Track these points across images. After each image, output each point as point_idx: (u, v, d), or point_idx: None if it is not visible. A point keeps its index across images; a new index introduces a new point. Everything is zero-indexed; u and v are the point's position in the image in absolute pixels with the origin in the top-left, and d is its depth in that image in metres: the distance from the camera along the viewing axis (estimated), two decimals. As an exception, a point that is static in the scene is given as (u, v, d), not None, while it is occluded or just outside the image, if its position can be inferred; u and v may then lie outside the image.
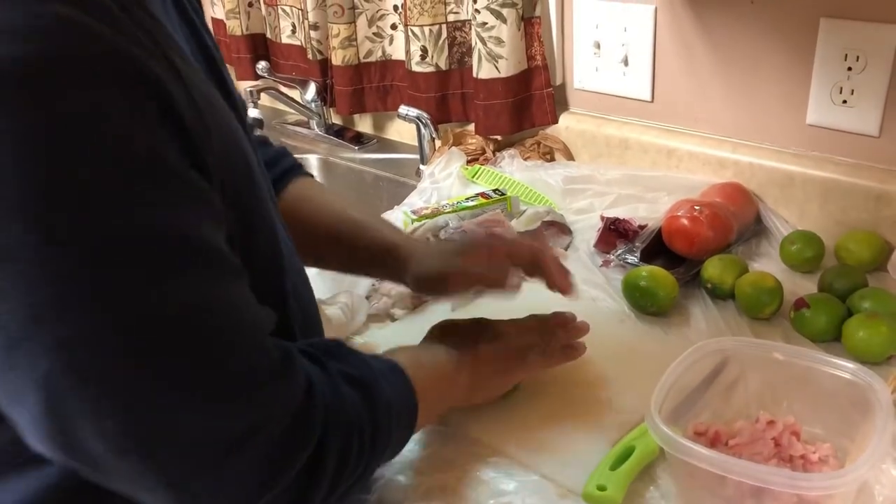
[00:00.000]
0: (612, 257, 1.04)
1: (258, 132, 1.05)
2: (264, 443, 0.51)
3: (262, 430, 0.51)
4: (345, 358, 0.63)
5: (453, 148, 1.35)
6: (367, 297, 0.99)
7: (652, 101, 1.23)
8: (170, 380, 0.48)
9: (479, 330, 0.78)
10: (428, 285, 0.81)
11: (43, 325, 0.44)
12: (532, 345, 0.78)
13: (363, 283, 1.01)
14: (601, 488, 0.67)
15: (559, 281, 0.80)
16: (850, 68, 1.01)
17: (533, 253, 0.80)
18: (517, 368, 0.78)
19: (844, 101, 1.03)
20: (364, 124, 1.68)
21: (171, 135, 0.47)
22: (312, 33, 1.55)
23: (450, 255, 0.81)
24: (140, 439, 0.47)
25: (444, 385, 0.72)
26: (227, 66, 1.84)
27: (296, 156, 1.67)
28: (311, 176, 0.90)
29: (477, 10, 1.25)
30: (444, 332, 0.78)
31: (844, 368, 0.69)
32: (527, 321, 0.81)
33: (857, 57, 1.00)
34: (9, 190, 0.42)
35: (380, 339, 0.93)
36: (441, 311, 0.97)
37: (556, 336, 0.80)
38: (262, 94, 1.58)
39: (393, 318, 0.97)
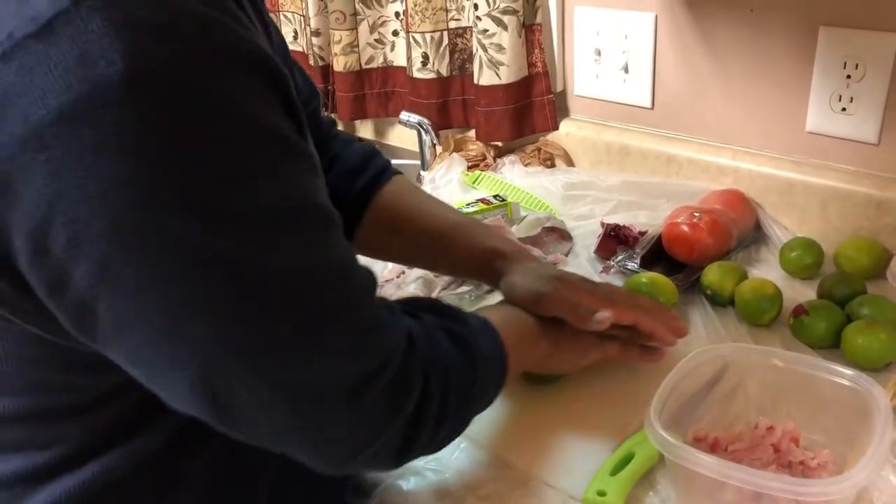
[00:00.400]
0: (612, 263, 1.04)
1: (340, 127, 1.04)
2: (380, 388, 0.54)
3: (379, 374, 0.54)
4: (440, 312, 0.66)
5: (454, 154, 1.36)
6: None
7: (652, 108, 1.24)
8: (304, 333, 0.50)
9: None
10: (518, 299, 0.78)
11: (201, 299, 0.47)
12: (615, 334, 0.79)
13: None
14: (601, 494, 0.67)
15: (666, 340, 0.81)
16: (849, 76, 1.01)
17: (634, 320, 0.78)
18: (594, 350, 0.79)
19: (844, 109, 1.03)
20: (365, 130, 1.68)
21: (287, 113, 0.51)
22: (314, 39, 1.56)
23: (550, 277, 0.78)
24: (283, 389, 0.51)
25: (527, 347, 0.74)
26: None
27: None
28: (403, 174, 0.90)
29: (478, 17, 1.25)
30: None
31: (843, 375, 0.69)
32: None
33: (857, 65, 1.00)
34: (160, 179, 0.44)
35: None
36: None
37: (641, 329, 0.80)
38: (264, 100, 1.59)
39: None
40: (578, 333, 0.77)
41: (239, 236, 0.47)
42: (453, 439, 0.65)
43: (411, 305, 0.64)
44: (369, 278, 0.57)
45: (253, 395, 0.51)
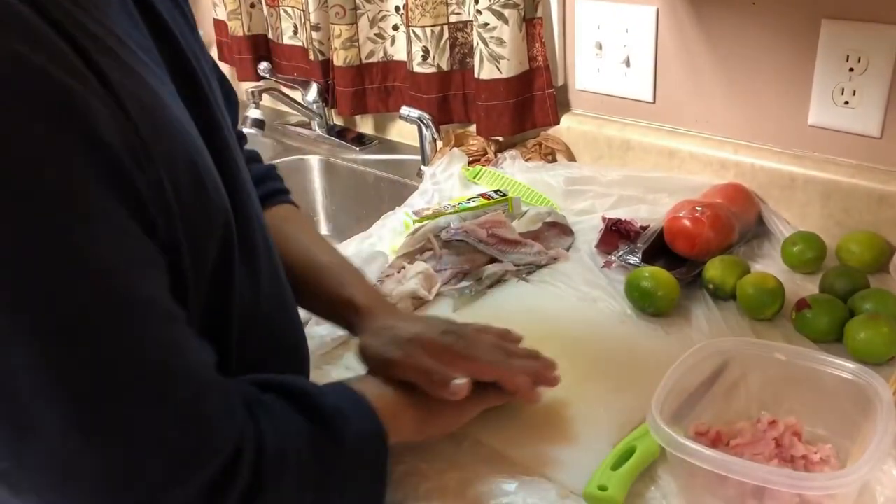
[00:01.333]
0: (613, 258, 1.04)
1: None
2: (193, 489, 0.50)
3: (183, 482, 0.50)
4: (298, 399, 0.60)
5: (455, 149, 1.35)
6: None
7: (653, 103, 1.23)
8: (96, 427, 0.47)
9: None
10: (370, 362, 0.74)
11: None
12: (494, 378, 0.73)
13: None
14: (602, 488, 0.67)
15: (529, 397, 0.74)
16: (851, 69, 1.01)
17: (495, 373, 0.73)
18: (472, 404, 0.73)
19: (846, 102, 1.03)
20: (365, 125, 1.68)
21: (92, 163, 0.45)
22: (314, 34, 1.55)
23: (403, 342, 0.72)
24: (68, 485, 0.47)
25: (391, 423, 0.66)
26: (229, 66, 1.84)
27: (297, 157, 1.68)
28: (295, 204, 0.87)
29: (479, 11, 1.25)
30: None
31: (846, 369, 0.69)
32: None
33: (859, 58, 1.00)
34: None
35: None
36: (443, 312, 0.97)
37: (519, 361, 0.75)
38: (264, 95, 1.59)
39: (394, 319, 0.97)
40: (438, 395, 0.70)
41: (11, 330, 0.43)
42: None
43: (268, 387, 0.60)
44: (195, 369, 0.51)
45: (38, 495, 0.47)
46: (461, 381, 0.69)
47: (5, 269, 0.43)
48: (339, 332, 0.92)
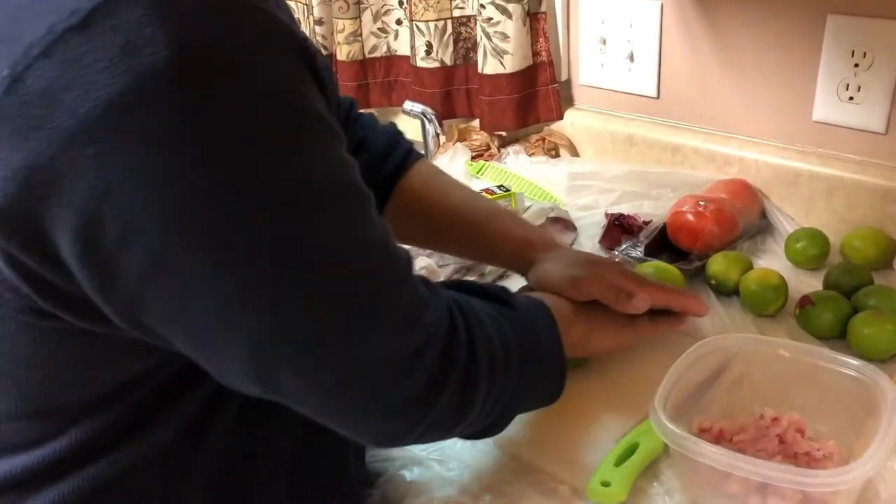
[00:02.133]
0: (616, 253, 1.04)
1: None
2: (427, 362, 0.55)
3: (426, 349, 0.55)
4: (483, 293, 0.67)
5: (458, 143, 1.35)
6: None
7: (657, 98, 1.23)
8: (357, 313, 0.51)
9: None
10: (553, 286, 0.79)
11: (255, 285, 0.47)
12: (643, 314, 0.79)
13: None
14: (605, 484, 0.67)
15: (700, 311, 0.83)
16: (856, 65, 1.01)
17: (668, 303, 0.81)
18: (627, 331, 0.79)
19: (851, 98, 1.03)
20: (369, 120, 1.67)
21: (320, 93, 0.51)
22: (317, 28, 1.55)
23: (585, 262, 0.80)
24: (333, 372, 0.51)
25: (563, 330, 0.72)
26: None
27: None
28: (425, 158, 0.91)
29: (482, 6, 1.25)
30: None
31: (850, 366, 0.69)
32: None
33: (864, 53, 0.99)
34: (211, 166, 0.45)
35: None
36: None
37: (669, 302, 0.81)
38: (267, 89, 1.58)
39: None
40: (611, 315, 0.77)
41: (289, 217, 0.47)
42: (511, 412, 0.67)
43: (452, 286, 0.65)
44: (407, 255, 0.57)
45: (303, 380, 0.51)
46: (643, 296, 0.77)
47: (285, 187, 0.47)
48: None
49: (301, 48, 0.49)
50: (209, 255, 0.46)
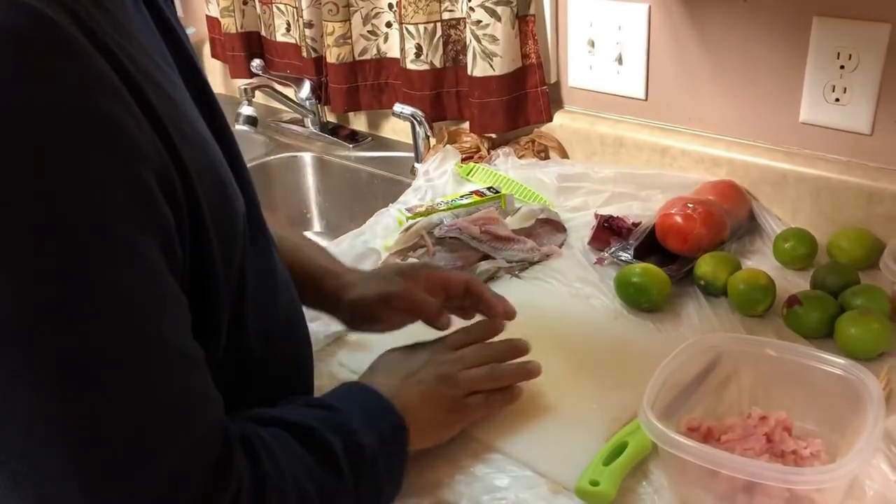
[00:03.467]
0: (605, 255, 1.04)
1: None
2: None
3: None
4: (302, 433, 0.60)
5: (448, 146, 1.35)
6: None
7: (646, 100, 1.23)
8: (101, 474, 0.46)
9: (421, 362, 0.75)
10: (365, 310, 0.78)
11: None
12: (476, 388, 0.74)
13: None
14: (594, 483, 0.67)
15: (497, 307, 0.80)
16: (842, 66, 1.01)
17: (465, 282, 0.81)
18: (458, 420, 0.74)
19: (837, 100, 1.03)
20: (359, 122, 1.68)
21: (130, 195, 0.46)
22: (307, 31, 1.55)
23: (391, 277, 0.80)
24: None
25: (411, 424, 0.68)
26: (221, 63, 1.84)
27: (290, 154, 1.68)
28: None
29: (471, 8, 1.25)
30: (383, 369, 0.76)
31: (836, 364, 0.69)
32: (471, 351, 0.78)
33: (850, 55, 1.00)
34: None
35: (374, 337, 0.93)
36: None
37: (501, 367, 0.77)
38: (257, 92, 1.58)
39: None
40: (436, 406, 0.72)
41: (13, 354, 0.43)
42: None
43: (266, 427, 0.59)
44: (203, 417, 0.51)
45: None
46: (446, 319, 0.77)
47: (28, 298, 0.43)
48: (332, 329, 0.92)
49: (117, 136, 0.44)
50: None
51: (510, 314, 0.81)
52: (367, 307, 0.78)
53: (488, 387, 0.75)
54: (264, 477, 0.54)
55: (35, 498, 0.46)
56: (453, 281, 0.81)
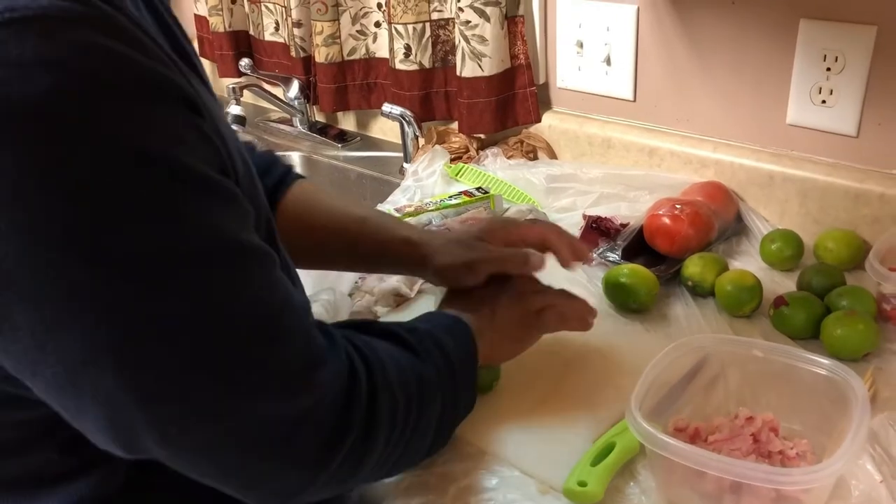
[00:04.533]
0: (593, 255, 1.05)
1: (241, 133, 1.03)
2: (319, 424, 0.53)
3: (316, 412, 0.53)
4: (378, 329, 0.66)
5: (437, 146, 1.35)
6: (350, 295, 0.99)
7: (634, 101, 1.24)
8: (231, 380, 0.49)
9: (497, 290, 0.78)
10: (452, 275, 0.80)
11: (102, 348, 0.45)
12: (549, 305, 0.79)
13: (346, 281, 1.01)
14: (582, 484, 0.67)
15: (570, 254, 0.83)
16: (829, 69, 1.02)
17: (541, 233, 0.83)
18: (534, 329, 0.79)
19: (823, 102, 1.04)
20: (347, 122, 1.67)
21: (201, 142, 0.49)
22: (296, 31, 1.55)
23: (472, 241, 0.81)
24: (203, 441, 0.50)
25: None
26: (209, 62, 1.83)
27: (278, 153, 1.68)
28: (305, 178, 0.89)
29: (460, 9, 1.25)
30: (458, 297, 0.79)
31: (822, 365, 0.70)
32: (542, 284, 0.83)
33: (836, 57, 1.01)
34: (45, 224, 0.43)
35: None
36: (425, 309, 0.97)
37: (569, 302, 0.81)
38: (245, 91, 1.58)
39: (376, 316, 0.97)
40: (513, 317, 0.77)
41: (134, 281, 0.45)
42: (418, 449, 0.66)
43: (355, 326, 0.65)
44: (300, 313, 0.55)
45: (169, 446, 0.49)
46: (537, 255, 0.79)
47: (148, 244, 0.45)
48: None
49: (165, 90, 0.47)
50: (49, 316, 0.44)
51: (581, 258, 0.85)
52: (454, 274, 0.79)
53: (559, 303, 0.79)
54: (369, 358, 0.59)
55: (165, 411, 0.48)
56: (529, 236, 0.83)
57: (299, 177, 0.87)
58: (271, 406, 0.51)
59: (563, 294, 0.81)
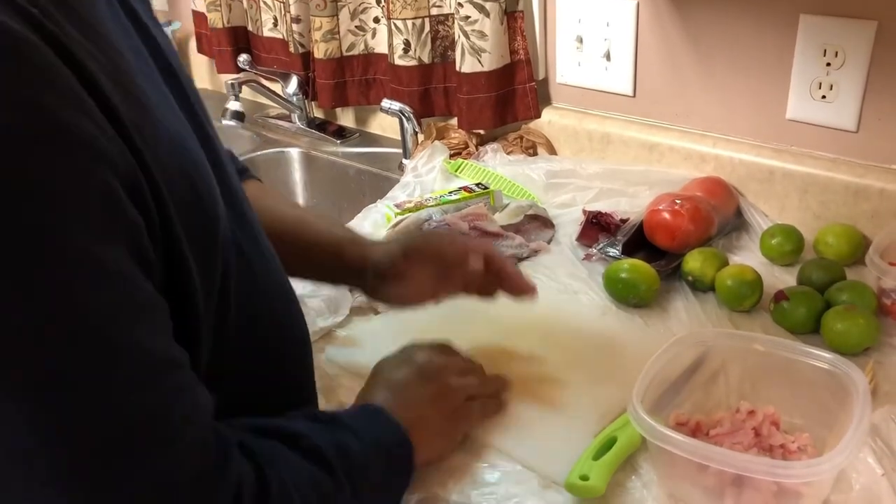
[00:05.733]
0: (594, 251, 1.05)
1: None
2: None
3: None
4: (305, 445, 0.59)
5: (436, 142, 1.35)
6: (350, 290, 0.99)
7: (634, 96, 1.24)
8: (111, 486, 0.46)
9: (419, 385, 0.74)
10: (389, 270, 0.78)
11: None
12: (473, 394, 0.75)
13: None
14: (584, 478, 0.67)
15: (519, 283, 0.81)
16: (828, 64, 1.02)
17: (486, 255, 0.80)
18: (459, 427, 0.74)
19: (823, 97, 1.04)
20: (346, 118, 1.67)
21: (99, 209, 0.44)
22: (294, 26, 1.55)
23: (412, 234, 0.82)
24: None
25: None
26: (207, 58, 1.82)
27: (277, 150, 1.68)
28: (259, 179, 0.88)
29: (460, 4, 1.25)
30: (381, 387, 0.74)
31: (823, 359, 0.70)
32: (464, 363, 0.79)
33: (836, 52, 1.01)
34: None
35: (362, 333, 0.93)
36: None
37: (490, 380, 0.79)
38: (244, 87, 1.58)
39: (376, 312, 0.97)
40: (440, 416, 0.72)
41: (27, 367, 0.42)
42: None
43: (263, 435, 0.58)
44: (196, 418, 0.50)
45: None
46: (478, 256, 0.79)
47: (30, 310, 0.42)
48: (320, 325, 0.92)
49: (84, 144, 0.43)
50: None
51: (528, 290, 0.82)
52: (391, 263, 0.78)
53: (480, 393, 0.76)
54: (266, 479, 0.53)
55: None
56: (476, 245, 0.81)
57: (252, 176, 0.85)
58: None
59: (482, 377, 0.78)
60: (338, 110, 1.66)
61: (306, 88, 1.61)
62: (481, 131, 1.37)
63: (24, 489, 0.45)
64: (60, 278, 0.43)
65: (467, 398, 0.75)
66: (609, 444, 0.71)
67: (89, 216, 0.44)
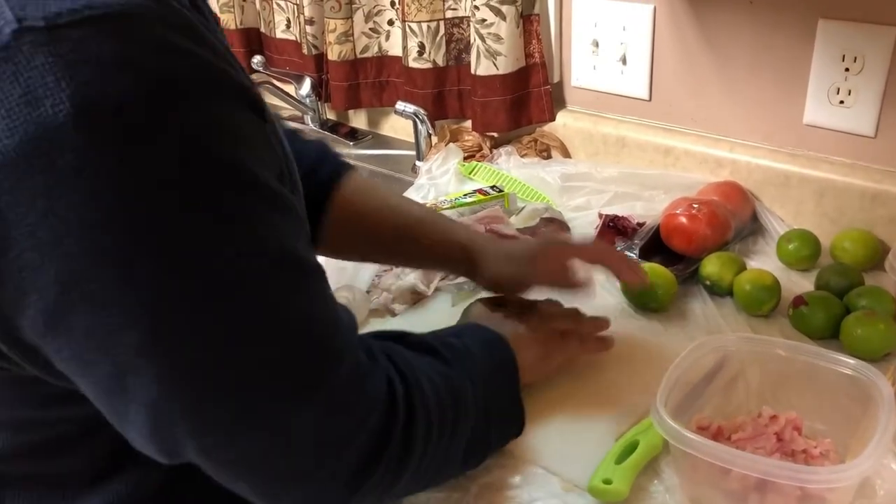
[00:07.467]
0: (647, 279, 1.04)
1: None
2: (359, 442, 0.54)
3: (358, 430, 0.53)
4: (416, 342, 0.67)
5: (450, 144, 1.35)
6: (368, 292, 0.99)
7: (649, 100, 1.24)
8: (277, 393, 0.49)
9: (521, 310, 0.81)
10: (497, 289, 0.85)
11: (153, 356, 0.45)
12: (570, 329, 0.81)
13: (363, 278, 1.01)
14: (607, 482, 0.67)
15: (629, 276, 0.86)
16: (847, 69, 1.02)
17: (599, 254, 0.86)
18: (556, 352, 0.80)
19: (841, 102, 1.04)
20: (359, 120, 1.67)
21: (267, 149, 0.49)
22: (308, 28, 1.55)
23: (522, 263, 0.83)
24: (244, 454, 0.50)
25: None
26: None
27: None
28: (357, 169, 0.89)
29: (476, 7, 1.25)
30: (487, 306, 0.82)
31: (846, 364, 0.70)
32: (564, 308, 0.85)
33: (855, 58, 1.01)
34: (115, 225, 0.42)
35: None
36: (442, 306, 0.98)
37: (589, 324, 0.84)
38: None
39: (393, 314, 0.97)
40: (538, 338, 0.78)
41: (197, 289, 0.45)
42: (451, 468, 0.67)
43: (396, 344, 0.64)
44: (350, 322, 0.56)
45: (210, 457, 0.49)
46: (589, 277, 0.84)
47: (206, 233, 0.45)
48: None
49: (234, 93, 0.46)
50: (107, 319, 0.44)
51: (639, 280, 0.87)
52: (498, 287, 0.84)
53: (576, 329, 0.82)
54: (398, 366, 0.59)
55: (192, 415, 0.48)
56: (586, 255, 0.85)
57: (353, 167, 0.86)
58: (315, 423, 0.51)
59: (585, 318, 0.85)
60: (350, 112, 1.66)
61: (319, 90, 1.62)
62: (495, 134, 1.37)
63: (220, 396, 0.48)
64: (252, 203, 0.47)
65: (566, 331, 0.81)
66: (631, 448, 0.71)
67: (257, 149, 0.48)
